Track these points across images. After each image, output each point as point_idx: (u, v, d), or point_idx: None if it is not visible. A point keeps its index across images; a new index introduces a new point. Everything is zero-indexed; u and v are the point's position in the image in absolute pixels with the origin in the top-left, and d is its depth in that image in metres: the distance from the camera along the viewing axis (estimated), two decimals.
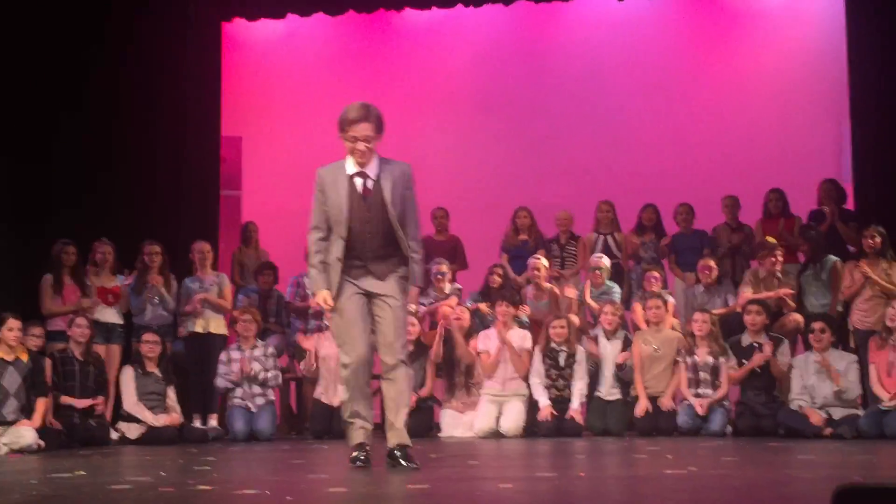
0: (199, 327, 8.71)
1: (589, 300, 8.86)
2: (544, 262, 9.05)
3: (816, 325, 7.72)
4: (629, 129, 11.00)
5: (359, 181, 5.16)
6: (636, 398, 8.22)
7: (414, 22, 11.28)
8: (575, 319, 8.62)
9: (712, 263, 8.90)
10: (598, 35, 11.17)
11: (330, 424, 8.21)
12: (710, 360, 8.10)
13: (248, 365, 8.23)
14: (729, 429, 7.98)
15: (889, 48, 9.52)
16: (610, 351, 8.37)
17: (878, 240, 8.24)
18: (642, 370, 8.25)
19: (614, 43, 11.14)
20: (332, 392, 8.32)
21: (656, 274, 8.92)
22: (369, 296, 5.13)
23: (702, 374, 8.07)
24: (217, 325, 8.76)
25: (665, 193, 9.89)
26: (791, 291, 8.46)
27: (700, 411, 7.89)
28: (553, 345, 8.22)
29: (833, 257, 8.64)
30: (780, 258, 8.59)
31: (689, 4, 10.93)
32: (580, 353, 8.22)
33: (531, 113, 11.21)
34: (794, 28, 10.86)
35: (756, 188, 9.58)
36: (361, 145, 5.10)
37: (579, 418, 8.07)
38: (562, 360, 8.20)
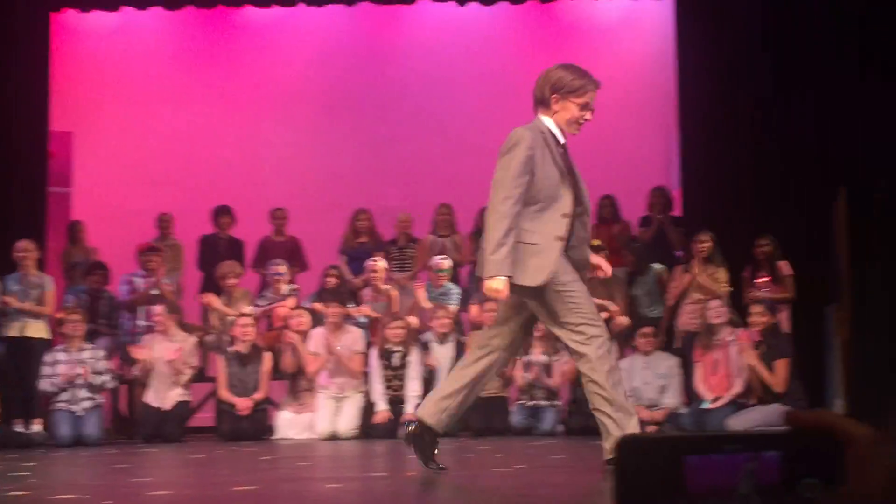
0: (15, 331, 8.33)
1: (425, 302, 8.89)
2: (382, 264, 9.07)
3: (646, 330, 7.98)
4: (469, 133, 11.12)
5: (560, 149, 4.52)
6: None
7: (254, 19, 11.14)
8: (412, 321, 8.67)
9: None
10: (440, 39, 11.27)
11: (160, 428, 8.01)
12: (544, 358, 8.27)
13: (74, 369, 7.94)
14: (561, 427, 8.16)
15: (716, 62, 9.91)
16: (443, 355, 8.43)
17: (707, 245, 8.57)
18: None
19: (455, 47, 11.26)
20: (162, 395, 8.13)
21: None
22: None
23: (535, 370, 8.22)
24: (36, 329, 8.37)
25: None
26: (616, 308, 8.67)
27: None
28: (388, 346, 8.24)
29: (657, 266, 8.95)
30: (602, 263, 8.81)
31: (527, 13, 11.13)
32: (415, 354, 8.27)
33: (372, 114, 11.22)
34: (627, 40, 11.20)
35: (589, 193, 9.81)
36: (589, 115, 4.55)
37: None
38: (397, 361, 8.23)
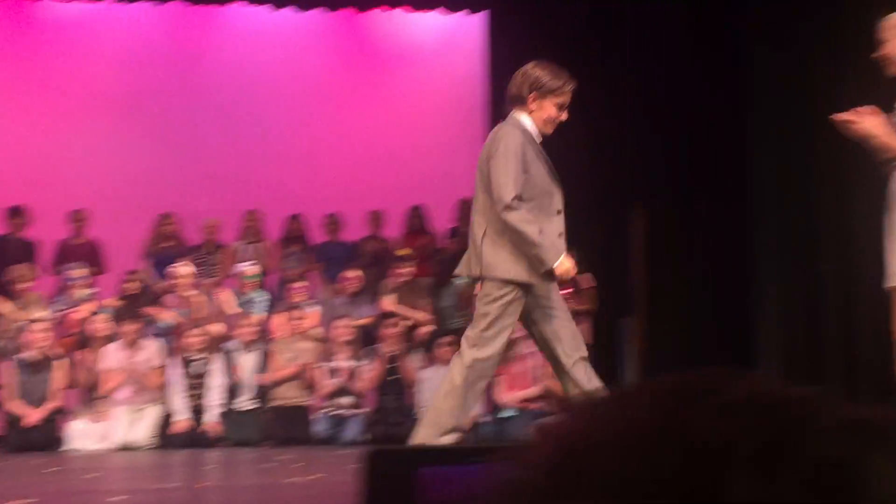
0: None
1: (231, 308, 8.74)
2: (187, 269, 8.86)
3: (445, 340, 8.08)
4: (280, 140, 11.02)
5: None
6: (275, 408, 8.22)
7: (57, 13, 10.69)
8: (216, 328, 8.51)
9: (354, 274, 9.09)
10: (254, 44, 11.12)
11: None
12: (351, 363, 8.27)
13: None
14: (365, 436, 8.16)
15: None
16: (247, 363, 8.30)
17: None
18: (280, 381, 8.28)
19: (268, 53, 11.13)
20: None
21: (300, 284, 9.00)
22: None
23: (341, 375, 8.20)
24: None
25: (311, 205, 10.00)
26: (425, 316, 8.76)
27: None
28: (190, 353, 8.06)
29: (461, 278, 9.08)
30: (410, 270, 8.90)
31: (340, 21, 11.12)
32: (217, 361, 8.11)
33: (182, 117, 10.95)
34: (442, 53, 11.34)
35: (399, 204, 9.91)
36: (565, 115, 4.65)
37: (215, 429, 7.96)
38: (198, 369, 8.05)
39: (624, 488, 0.49)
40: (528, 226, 4.44)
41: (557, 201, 4.63)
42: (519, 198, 4.45)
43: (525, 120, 4.63)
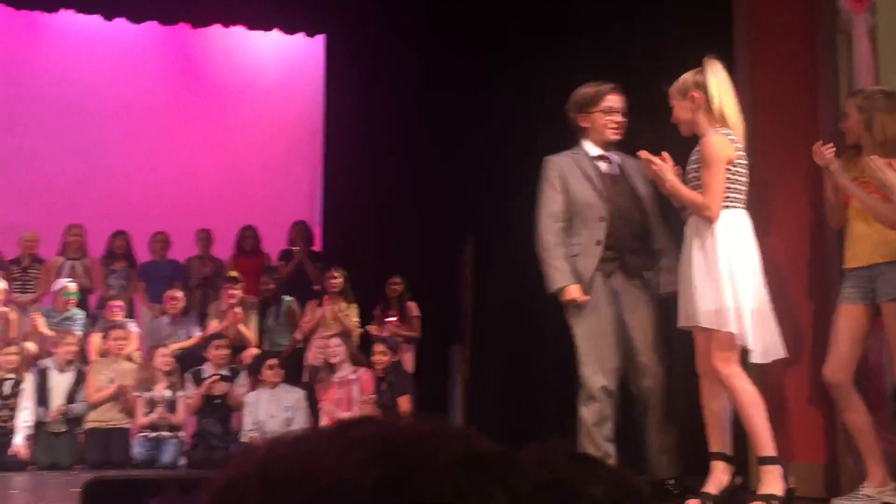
0: None
1: (44, 329, 8.39)
2: (1, 284, 8.48)
3: (272, 362, 8.01)
4: (107, 155, 10.70)
5: (603, 164, 4.89)
6: (89, 431, 7.94)
7: None
8: (29, 346, 8.17)
9: (179, 294, 8.90)
10: (80, 53, 10.78)
11: None
12: (169, 393, 8.07)
13: None
14: (183, 460, 7.97)
15: (362, 103, 10.18)
16: (60, 382, 7.98)
17: (339, 280, 8.76)
18: (96, 402, 8.01)
19: (99, 65, 10.81)
20: None
21: (119, 303, 8.74)
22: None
23: (159, 408, 7.99)
24: None
25: (139, 222, 9.74)
26: (245, 330, 8.65)
27: None
28: (0, 373, 7.70)
29: (289, 298, 9.03)
30: (239, 292, 8.78)
31: (174, 36, 10.91)
32: (28, 381, 7.76)
33: (4, 126, 10.51)
34: (280, 74, 11.27)
35: (230, 224, 9.76)
36: (618, 116, 4.85)
37: (24, 452, 7.62)
38: (7, 389, 7.70)
39: None
40: (549, 248, 4.98)
41: (599, 209, 4.94)
42: (555, 216, 4.98)
43: (583, 142, 5.07)
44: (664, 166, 4.60)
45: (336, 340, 7.99)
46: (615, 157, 5.07)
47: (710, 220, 4.47)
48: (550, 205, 4.99)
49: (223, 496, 0.57)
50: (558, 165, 5.02)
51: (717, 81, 4.60)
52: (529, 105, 8.37)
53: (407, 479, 0.54)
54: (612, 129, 5.02)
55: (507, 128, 8.86)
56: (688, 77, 4.66)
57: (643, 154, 4.68)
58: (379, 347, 7.89)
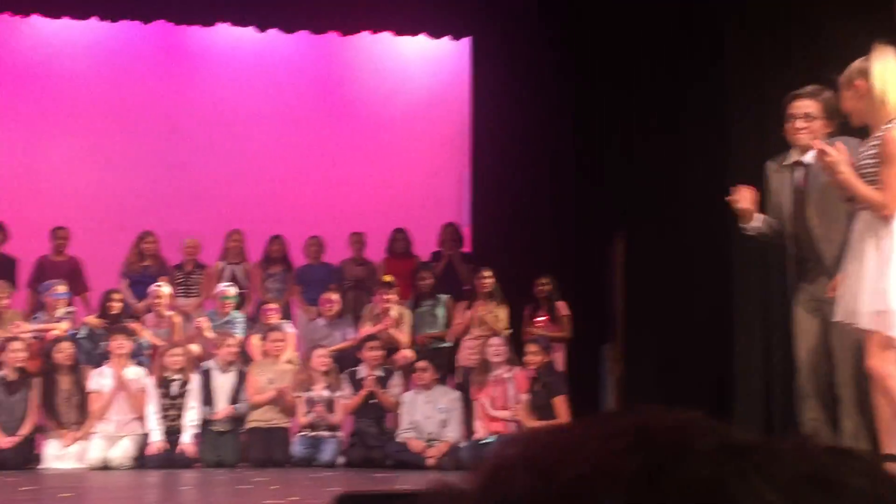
0: None
1: (208, 332, 8.68)
2: (166, 289, 8.83)
3: (419, 364, 8.10)
4: (262, 160, 11.03)
5: (798, 172, 4.91)
6: (251, 430, 8.19)
7: (42, 29, 10.69)
8: (194, 349, 8.48)
9: (335, 297, 9.09)
10: (236, 63, 11.13)
11: None
12: (327, 393, 8.26)
13: None
14: (341, 459, 8.14)
15: (509, 104, 10.22)
16: (224, 384, 8.26)
17: (489, 281, 8.81)
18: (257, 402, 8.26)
19: (251, 73, 11.14)
20: None
21: (273, 305, 8.98)
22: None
23: (318, 408, 8.19)
24: None
25: (294, 226, 10.01)
26: (398, 333, 8.76)
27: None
28: (166, 374, 8.02)
29: (444, 295, 9.12)
30: (393, 297, 8.90)
31: (325, 44, 11.13)
32: (194, 382, 8.07)
33: (164, 136, 10.95)
34: (424, 77, 11.39)
35: (382, 227, 9.93)
36: (800, 123, 4.84)
37: (191, 450, 7.91)
38: (175, 390, 8.01)
39: (513, 498, 0.56)
40: None
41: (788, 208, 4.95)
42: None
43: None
44: (838, 157, 4.44)
45: (498, 340, 8.02)
46: (812, 158, 4.88)
47: (886, 220, 4.31)
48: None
49: (491, 483, 0.59)
50: (768, 169, 5.16)
51: (883, 68, 4.42)
52: (682, 102, 8.25)
53: (667, 466, 0.56)
54: (796, 135, 4.96)
55: (659, 124, 8.74)
56: (854, 65, 4.50)
57: (816, 144, 4.56)
58: (532, 347, 7.88)
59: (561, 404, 7.69)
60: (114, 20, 10.41)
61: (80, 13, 10.30)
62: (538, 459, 0.58)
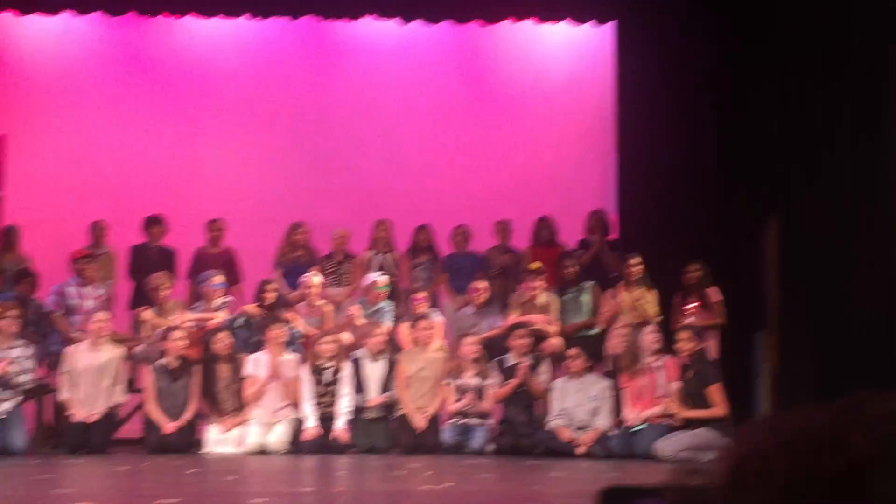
0: None
1: (360, 320, 8.81)
2: (318, 279, 9.02)
3: (571, 352, 8.04)
4: (408, 151, 11.16)
5: None
6: (402, 417, 8.31)
7: (196, 29, 11.05)
8: (345, 337, 8.64)
9: (483, 285, 9.12)
10: (383, 56, 11.28)
11: (85, 439, 7.88)
12: (476, 381, 8.30)
13: (6, 366, 7.76)
14: (491, 447, 8.18)
15: (655, 88, 10.07)
16: (373, 372, 8.38)
17: (637, 268, 8.70)
18: (407, 390, 8.36)
19: (398, 65, 11.28)
20: (88, 405, 8.00)
21: (423, 294, 9.07)
22: None
23: (467, 396, 8.24)
24: None
25: (440, 215, 10.09)
26: (547, 320, 8.73)
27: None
28: (319, 361, 8.19)
29: (589, 283, 9.04)
30: (541, 283, 8.87)
31: (468, 33, 11.19)
32: (346, 369, 8.22)
33: (312, 128, 11.19)
34: (568, 63, 11.31)
35: (527, 215, 9.91)
36: None
37: (344, 436, 8.07)
38: (328, 377, 8.18)
39: (787, 490, 0.56)
40: None
41: None
42: None
43: None
44: None
45: (652, 327, 7.91)
46: None
47: None
48: None
49: (746, 465, 0.58)
50: None
51: None
52: (839, 81, 7.97)
53: None
54: None
55: (815, 105, 8.47)
56: None
57: None
58: (683, 335, 7.74)
59: (716, 393, 7.53)
60: (264, 17, 10.68)
61: (232, 11, 10.59)
62: (804, 447, 0.57)
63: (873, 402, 0.60)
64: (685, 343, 7.69)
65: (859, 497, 0.54)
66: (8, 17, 10.50)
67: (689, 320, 8.39)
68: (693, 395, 7.38)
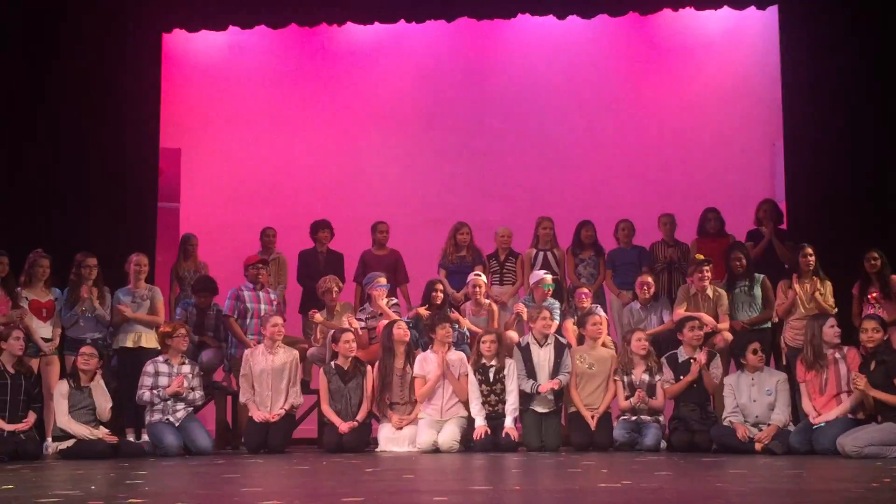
0: (129, 342, 8.58)
1: (525, 314, 8.78)
2: (483, 278, 9.06)
3: (754, 346, 7.81)
4: (568, 147, 11.12)
5: None
6: (572, 414, 8.27)
7: (356, 36, 11.30)
8: (511, 335, 8.65)
9: (650, 279, 8.99)
10: (539, 53, 11.28)
11: (265, 439, 8.13)
12: (647, 377, 8.19)
13: (182, 383, 8.09)
14: (664, 444, 8.05)
15: (821, 72, 9.75)
16: (543, 358, 8.33)
17: (812, 259, 8.43)
18: (577, 387, 8.30)
19: (554, 62, 11.26)
20: (267, 406, 8.25)
21: (586, 290, 9.01)
22: None
23: (639, 392, 8.13)
24: (148, 340, 8.61)
25: (602, 210, 10.01)
26: (724, 322, 8.54)
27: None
28: (483, 360, 8.22)
29: (761, 274, 8.80)
30: (709, 275, 8.68)
31: (627, 26, 11.07)
32: (510, 367, 8.21)
33: (472, 128, 11.29)
34: (731, 51, 11.06)
35: (692, 207, 9.72)
36: None
37: (514, 434, 8.08)
38: (491, 376, 8.19)
39: None
40: None
41: None
42: None
43: None
44: None
45: (832, 321, 7.63)
46: None
47: None
48: None
49: None
50: None
51: None
52: None
53: None
54: None
55: None
56: None
57: None
58: (868, 324, 7.42)
59: None
60: (420, 21, 10.81)
61: (388, 17, 10.76)
62: None
63: None
64: (871, 333, 7.36)
65: None
66: (179, 35, 10.96)
67: (872, 310, 8.06)
68: (879, 387, 7.06)
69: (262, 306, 9.01)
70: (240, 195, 11.14)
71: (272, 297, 9.18)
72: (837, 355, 7.49)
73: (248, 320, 8.98)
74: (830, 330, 7.54)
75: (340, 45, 11.40)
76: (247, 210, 10.91)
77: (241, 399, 8.45)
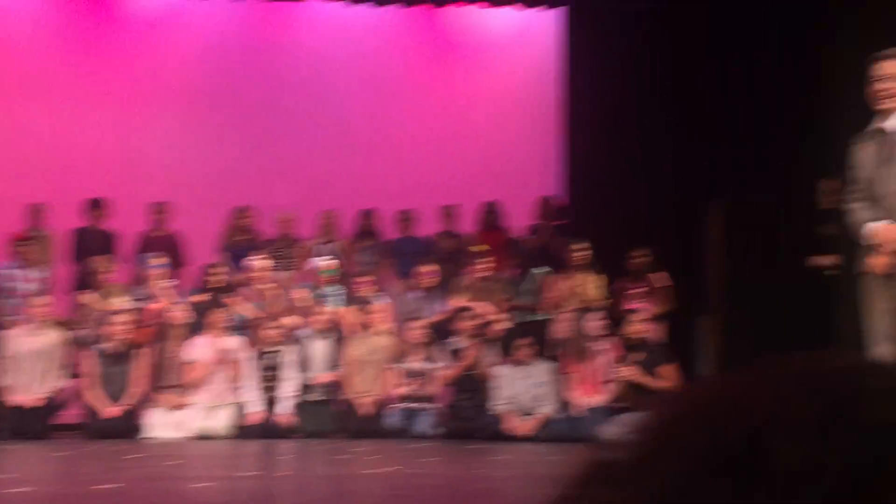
0: None
1: (306, 303, 8.74)
2: (263, 262, 8.94)
3: (520, 341, 8.04)
4: (355, 134, 11.08)
5: (879, 139, 4.43)
6: (346, 400, 8.28)
7: (137, 8, 10.87)
8: (290, 321, 8.58)
9: (428, 269, 9.10)
10: (327, 38, 11.18)
11: (24, 424, 7.73)
12: (423, 365, 8.29)
13: None
14: (438, 431, 8.17)
15: (602, 75, 10.10)
16: (318, 351, 8.32)
17: (584, 254, 8.73)
18: (352, 374, 8.32)
19: (342, 47, 11.19)
20: (27, 390, 7.85)
21: (368, 278, 9.04)
22: None
23: (412, 380, 8.22)
24: None
25: (385, 199, 10.04)
26: (499, 313, 8.75)
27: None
28: (260, 346, 8.12)
29: (538, 270, 9.06)
30: (486, 266, 8.87)
31: (416, 17, 11.14)
32: (291, 353, 8.15)
33: (258, 111, 11.06)
34: (515, 47, 11.30)
35: (473, 199, 9.90)
36: (883, 83, 4.35)
37: (288, 420, 8.01)
38: (272, 361, 8.11)
39: (691, 456, 0.55)
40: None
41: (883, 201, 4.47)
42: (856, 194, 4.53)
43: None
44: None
45: (596, 314, 7.94)
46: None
47: None
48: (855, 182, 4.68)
49: (662, 441, 0.58)
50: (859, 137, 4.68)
51: None
52: (781, 70, 8.05)
53: (845, 411, 0.54)
54: (879, 99, 4.53)
55: (759, 93, 8.55)
56: None
57: None
58: (631, 318, 7.78)
59: (671, 372, 7.57)
60: None
61: None
62: (709, 413, 0.57)
63: (779, 365, 0.60)
64: (633, 326, 7.72)
65: (761, 460, 0.53)
66: None
67: (635, 305, 8.44)
68: (642, 377, 7.42)
69: (27, 285, 8.56)
70: (4, 168, 10.52)
71: (38, 275, 8.73)
72: (601, 348, 7.81)
73: (11, 300, 8.52)
74: (591, 323, 7.86)
75: (120, 17, 10.94)
76: (15, 184, 10.31)
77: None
